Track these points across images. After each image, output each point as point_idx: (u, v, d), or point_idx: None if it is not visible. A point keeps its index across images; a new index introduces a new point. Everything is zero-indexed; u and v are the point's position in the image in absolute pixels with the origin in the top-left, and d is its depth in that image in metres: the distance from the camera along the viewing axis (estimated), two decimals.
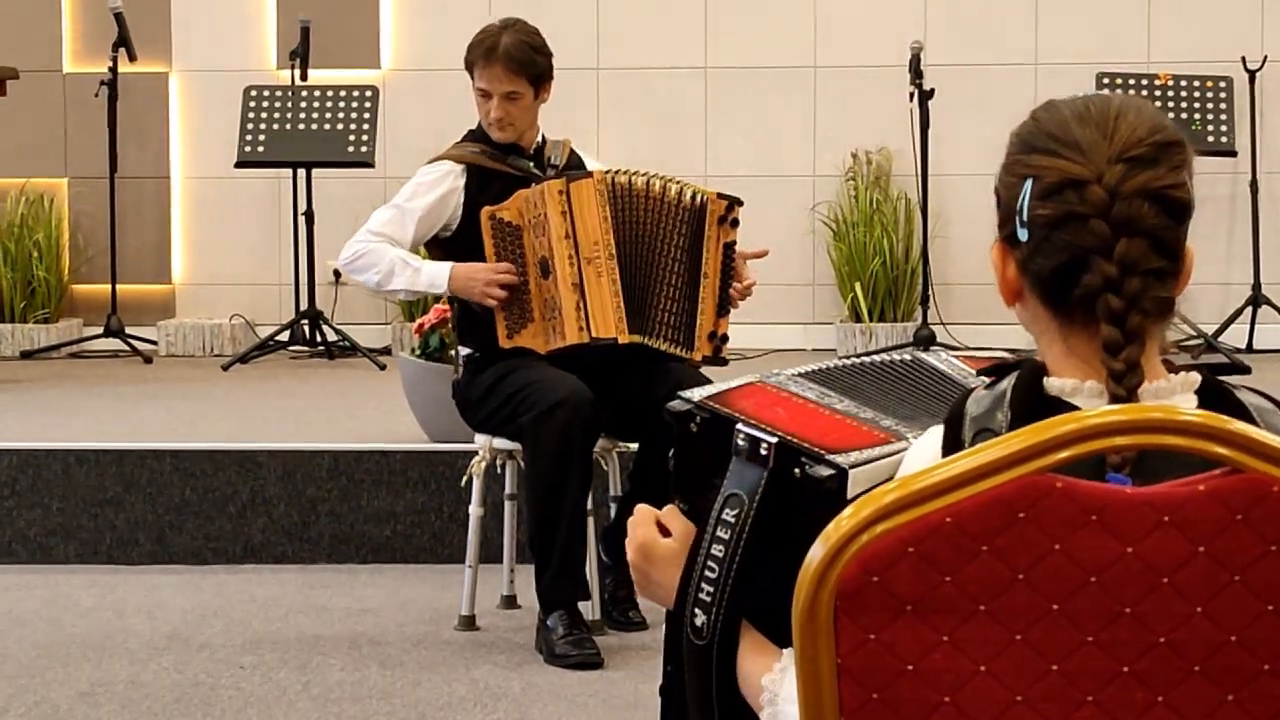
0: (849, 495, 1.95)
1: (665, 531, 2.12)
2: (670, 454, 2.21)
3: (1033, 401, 1.84)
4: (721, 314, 5.12)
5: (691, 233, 5.08)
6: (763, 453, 2.02)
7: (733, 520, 2.02)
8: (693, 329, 5.09)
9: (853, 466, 1.98)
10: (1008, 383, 1.88)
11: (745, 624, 2.02)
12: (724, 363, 5.15)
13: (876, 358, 2.28)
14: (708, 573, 2.03)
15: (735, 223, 5.11)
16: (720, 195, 5.12)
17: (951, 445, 1.86)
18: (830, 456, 1.99)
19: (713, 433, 2.12)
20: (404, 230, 5.10)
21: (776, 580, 1.99)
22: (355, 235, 5.15)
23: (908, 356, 2.28)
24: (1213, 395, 1.87)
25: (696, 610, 2.03)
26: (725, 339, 5.14)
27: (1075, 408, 1.83)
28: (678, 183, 5.12)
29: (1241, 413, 1.85)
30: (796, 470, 2.00)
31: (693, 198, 5.09)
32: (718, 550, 2.02)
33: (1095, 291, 1.82)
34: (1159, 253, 1.83)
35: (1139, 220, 1.82)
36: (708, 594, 2.02)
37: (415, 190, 5.17)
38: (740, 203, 5.13)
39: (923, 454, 1.90)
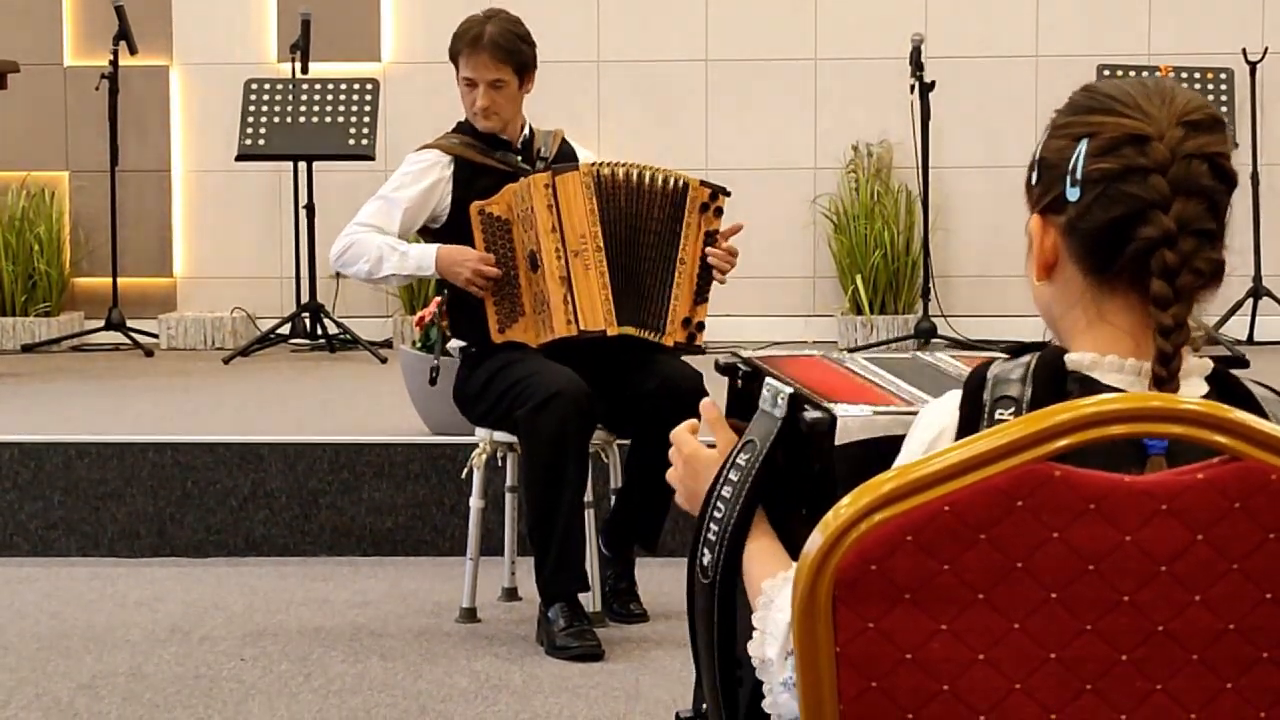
0: (838, 441, 2.02)
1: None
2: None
3: (1054, 376, 1.86)
4: (699, 301, 5.11)
5: (670, 218, 5.08)
6: (779, 402, 2.09)
7: (744, 464, 2.09)
8: (664, 313, 5.08)
9: (843, 414, 2.04)
10: (1029, 358, 1.90)
11: (762, 523, 2.07)
12: (700, 351, 5.13)
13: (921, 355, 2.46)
14: (715, 512, 2.09)
15: (719, 212, 5.10)
16: (704, 183, 5.12)
17: (971, 407, 1.87)
18: (826, 404, 2.06)
19: (752, 388, 2.23)
20: (391, 221, 5.11)
21: (779, 523, 2.06)
22: (344, 230, 5.16)
23: (928, 358, 2.39)
24: (1224, 384, 1.88)
25: (704, 550, 2.09)
26: (701, 326, 5.13)
27: (1095, 381, 1.85)
28: (664, 172, 5.12)
29: (1251, 403, 1.86)
30: (800, 420, 2.08)
31: (674, 183, 5.09)
32: (726, 491, 2.09)
33: (1151, 245, 1.84)
34: (1212, 215, 1.86)
35: (1196, 180, 1.85)
36: (714, 533, 2.08)
37: (401, 180, 5.18)
38: (726, 193, 5.13)
39: (935, 413, 1.92)
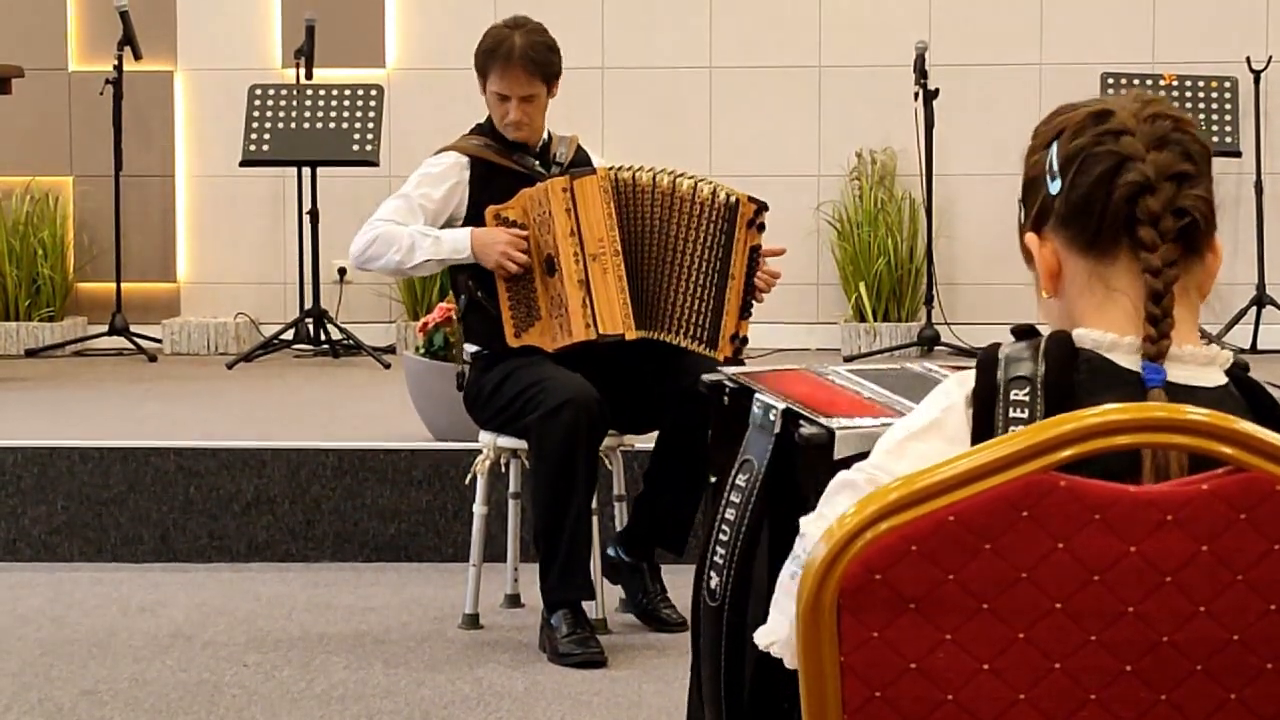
0: (836, 456, 2.02)
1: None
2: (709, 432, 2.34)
3: (1066, 354, 1.89)
4: (743, 316, 5.11)
5: (722, 233, 5.06)
6: (771, 419, 2.09)
7: (744, 485, 2.09)
8: (718, 329, 5.07)
9: (841, 429, 2.05)
10: (1039, 339, 1.93)
11: None
12: (742, 364, 5.13)
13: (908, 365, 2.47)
14: (721, 535, 2.09)
15: (761, 227, 5.10)
16: (750, 198, 5.11)
17: (985, 387, 1.90)
18: (823, 420, 2.06)
19: (740, 404, 2.22)
20: (413, 219, 5.11)
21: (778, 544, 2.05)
22: (362, 228, 5.15)
23: (918, 368, 2.40)
24: (1242, 383, 1.91)
25: (711, 573, 2.08)
26: (745, 341, 5.14)
27: (1109, 361, 1.86)
28: (691, 177, 5.12)
29: (1271, 406, 1.88)
30: (796, 435, 2.08)
31: (723, 196, 5.06)
32: (730, 514, 2.09)
33: (1133, 192, 1.89)
34: (1187, 160, 1.92)
35: (1164, 134, 1.92)
36: (720, 556, 2.07)
37: (420, 181, 5.18)
38: (767, 208, 5.13)
39: (944, 388, 1.93)
